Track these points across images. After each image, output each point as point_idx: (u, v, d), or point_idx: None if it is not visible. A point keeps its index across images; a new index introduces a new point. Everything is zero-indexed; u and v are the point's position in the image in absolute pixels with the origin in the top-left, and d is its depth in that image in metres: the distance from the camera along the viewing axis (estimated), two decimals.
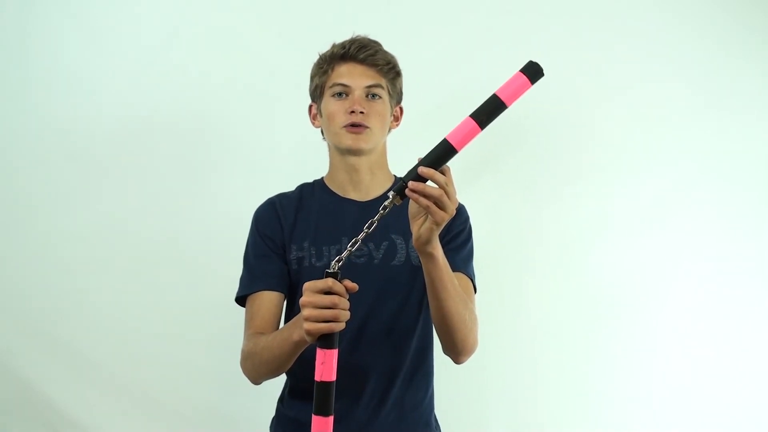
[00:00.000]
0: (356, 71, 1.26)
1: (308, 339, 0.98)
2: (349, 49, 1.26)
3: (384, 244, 1.25)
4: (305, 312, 0.95)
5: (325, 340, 0.96)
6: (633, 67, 1.85)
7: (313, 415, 0.97)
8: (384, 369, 1.24)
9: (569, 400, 1.83)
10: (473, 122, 0.98)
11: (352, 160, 1.27)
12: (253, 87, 1.83)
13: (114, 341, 1.80)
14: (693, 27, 1.86)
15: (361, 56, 1.25)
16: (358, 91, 1.25)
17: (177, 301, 1.81)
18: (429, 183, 0.99)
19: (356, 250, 1.15)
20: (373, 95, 1.26)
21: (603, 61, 1.85)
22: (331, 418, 0.97)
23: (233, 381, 1.78)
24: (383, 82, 1.27)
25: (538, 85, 1.79)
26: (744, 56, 1.85)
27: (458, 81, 1.81)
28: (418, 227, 1.02)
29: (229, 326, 1.76)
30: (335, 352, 0.96)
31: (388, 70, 1.28)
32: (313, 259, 1.25)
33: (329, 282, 0.95)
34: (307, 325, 0.95)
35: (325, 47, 1.30)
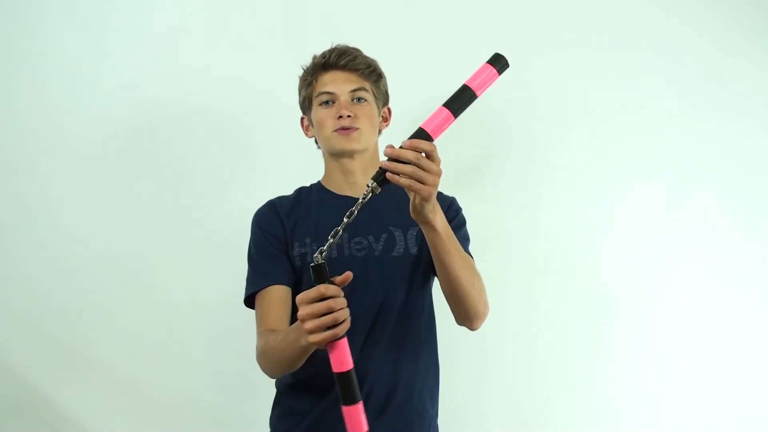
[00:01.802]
0: (339, 78, 1.31)
1: (318, 347, 0.99)
2: (329, 57, 1.31)
3: (383, 236, 1.29)
4: (306, 326, 0.96)
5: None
6: (633, 67, 1.85)
7: (342, 406, 0.99)
8: (395, 357, 1.26)
9: (569, 399, 1.83)
10: (447, 111, 1.02)
11: (346, 162, 1.32)
12: (255, 87, 1.83)
13: (114, 341, 1.80)
14: (693, 26, 1.85)
15: (342, 62, 1.31)
16: (343, 97, 1.30)
17: (177, 300, 1.82)
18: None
19: (356, 243, 1.19)
20: (359, 98, 1.31)
21: (603, 61, 1.85)
22: (360, 405, 1.00)
23: (233, 380, 1.80)
24: (366, 84, 1.32)
25: (540, 84, 1.83)
26: (744, 56, 1.85)
27: (449, 81, 1.81)
28: (411, 201, 1.04)
29: (229, 326, 1.77)
30: (344, 341, 0.98)
31: (370, 73, 1.33)
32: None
33: (321, 289, 0.96)
34: (312, 338, 0.96)
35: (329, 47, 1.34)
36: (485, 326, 1.81)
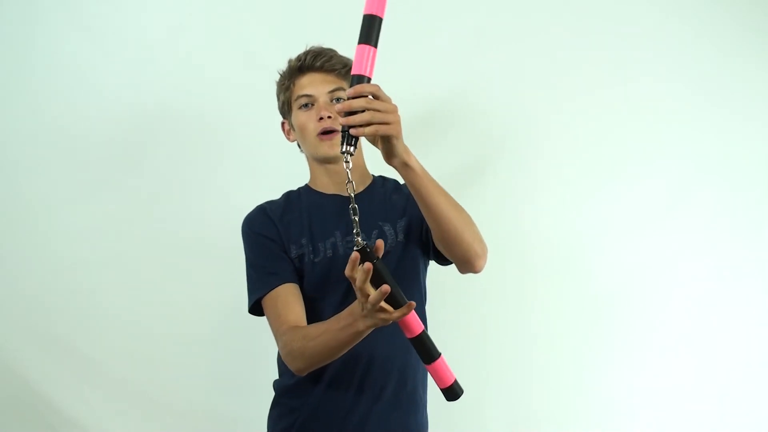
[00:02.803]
0: (316, 79, 1.31)
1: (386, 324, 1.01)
2: (305, 59, 1.31)
3: (374, 233, 1.29)
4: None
5: (397, 304, 0.99)
6: (633, 67, 1.85)
7: (426, 366, 1.07)
8: (388, 342, 1.26)
9: (569, 399, 1.83)
10: (368, 46, 1.00)
11: (331, 166, 1.32)
12: (255, 87, 1.81)
13: (114, 341, 1.80)
14: (693, 26, 1.85)
15: (318, 64, 1.30)
16: (322, 98, 1.29)
17: (177, 301, 1.82)
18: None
19: (349, 242, 1.23)
20: (338, 99, 1.30)
21: (603, 61, 1.85)
22: (441, 359, 1.06)
23: (232, 381, 1.80)
24: (344, 84, 1.31)
25: (540, 84, 1.83)
26: (744, 56, 1.84)
27: (444, 80, 1.81)
28: (382, 148, 1.03)
29: (230, 326, 1.78)
30: (412, 313, 1.01)
31: (347, 72, 1.31)
32: (311, 255, 1.28)
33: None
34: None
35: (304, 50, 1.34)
36: (486, 326, 1.83)
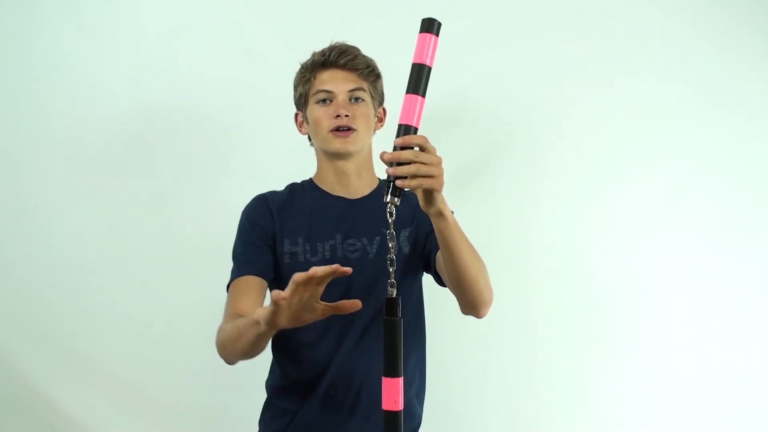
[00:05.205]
0: (338, 76, 1.30)
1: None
2: (329, 55, 1.31)
3: (377, 239, 1.29)
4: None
5: (390, 367, 0.94)
6: (633, 67, 1.85)
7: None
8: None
9: (569, 400, 1.83)
10: (416, 96, 0.99)
11: (341, 163, 1.32)
12: (254, 86, 1.83)
13: (114, 340, 1.81)
14: (693, 26, 1.85)
15: (342, 62, 1.30)
16: (341, 96, 1.29)
17: (177, 300, 1.82)
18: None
19: (349, 245, 1.19)
20: (356, 98, 1.30)
21: (603, 61, 1.85)
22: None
23: (232, 380, 1.80)
24: (365, 85, 1.32)
25: (540, 84, 1.83)
26: (744, 56, 1.84)
27: (449, 81, 1.81)
28: (420, 196, 1.03)
29: None
30: (400, 380, 0.94)
31: (369, 73, 1.32)
32: (308, 255, 1.27)
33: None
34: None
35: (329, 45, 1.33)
36: (485, 326, 1.82)
